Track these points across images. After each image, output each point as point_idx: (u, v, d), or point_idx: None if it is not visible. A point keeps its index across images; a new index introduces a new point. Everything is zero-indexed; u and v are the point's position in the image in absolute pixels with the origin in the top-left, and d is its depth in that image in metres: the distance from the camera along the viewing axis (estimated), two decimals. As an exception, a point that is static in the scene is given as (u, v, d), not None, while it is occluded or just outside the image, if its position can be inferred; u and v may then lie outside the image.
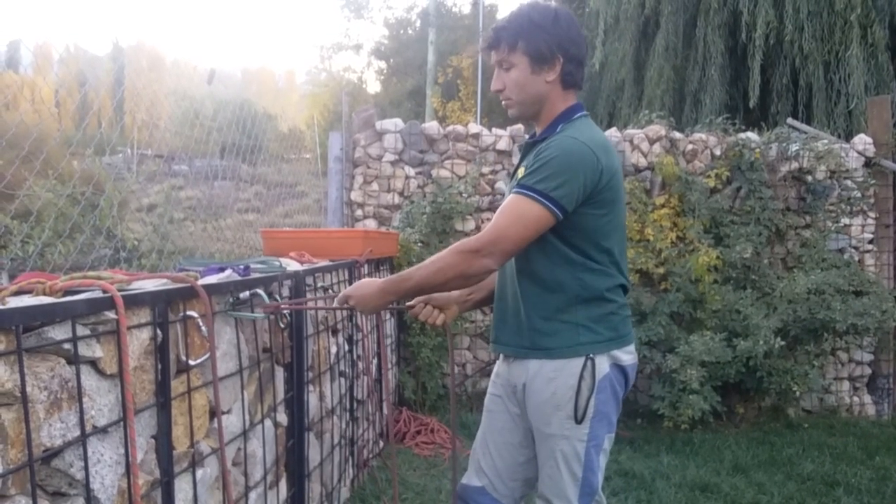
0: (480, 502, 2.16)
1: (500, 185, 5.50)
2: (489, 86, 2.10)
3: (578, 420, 1.91)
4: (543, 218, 1.82)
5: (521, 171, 1.93)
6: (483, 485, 2.16)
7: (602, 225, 1.92)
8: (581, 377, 1.89)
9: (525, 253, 1.93)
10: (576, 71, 1.97)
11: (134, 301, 1.47)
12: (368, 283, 1.98)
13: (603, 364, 1.92)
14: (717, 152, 5.63)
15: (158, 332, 1.57)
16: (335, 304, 2.06)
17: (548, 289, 1.92)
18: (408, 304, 2.08)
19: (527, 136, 2.14)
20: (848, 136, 6.45)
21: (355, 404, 3.64)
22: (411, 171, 5.52)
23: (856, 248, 5.73)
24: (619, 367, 1.97)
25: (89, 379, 1.34)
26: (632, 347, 2.02)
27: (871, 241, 5.76)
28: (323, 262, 3.14)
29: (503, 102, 2.03)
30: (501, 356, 2.14)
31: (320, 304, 2.77)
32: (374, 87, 26.58)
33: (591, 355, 1.90)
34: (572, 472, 1.95)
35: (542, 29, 1.91)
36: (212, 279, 1.92)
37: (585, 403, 1.90)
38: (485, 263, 1.82)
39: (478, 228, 5.35)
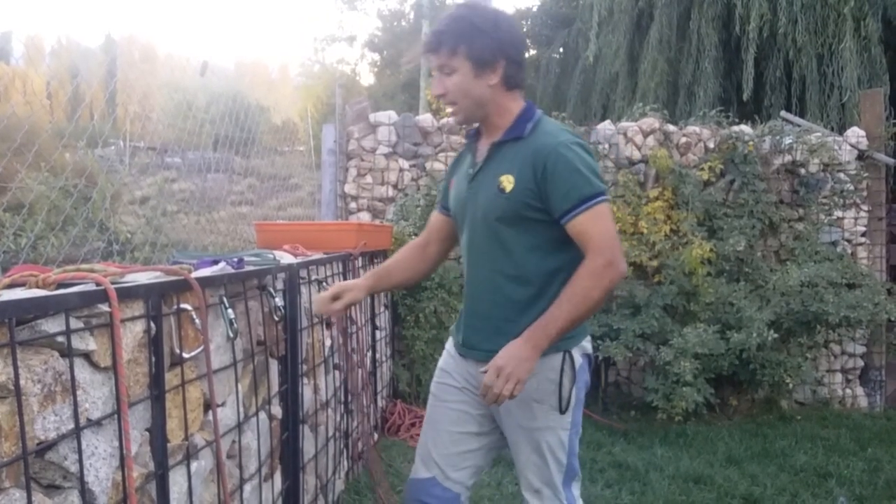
0: (432, 493, 2.14)
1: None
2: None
3: (563, 411, 1.96)
4: (610, 208, 1.92)
5: (506, 182, 1.91)
6: (433, 475, 2.14)
7: None
8: (562, 371, 1.94)
9: (517, 258, 1.94)
10: (517, 73, 1.97)
11: (127, 294, 1.46)
12: (512, 346, 1.84)
13: (577, 356, 1.99)
14: (711, 145, 5.64)
15: (152, 324, 1.56)
16: (494, 385, 1.82)
17: (536, 294, 1.93)
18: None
19: (470, 134, 2.14)
20: (841, 129, 6.47)
21: (350, 397, 3.64)
22: (405, 164, 5.51)
23: (848, 240, 5.75)
24: (587, 356, 2.05)
25: (83, 372, 1.33)
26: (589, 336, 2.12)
27: (863, 234, 5.78)
28: (317, 255, 3.13)
29: (448, 108, 2.01)
30: (459, 354, 2.11)
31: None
32: (367, 79, 26.60)
33: (569, 350, 1.96)
34: (558, 460, 2.00)
35: (484, 33, 1.90)
36: (205, 272, 1.91)
37: (569, 395, 1.96)
38: (619, 269, 1.84)
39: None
